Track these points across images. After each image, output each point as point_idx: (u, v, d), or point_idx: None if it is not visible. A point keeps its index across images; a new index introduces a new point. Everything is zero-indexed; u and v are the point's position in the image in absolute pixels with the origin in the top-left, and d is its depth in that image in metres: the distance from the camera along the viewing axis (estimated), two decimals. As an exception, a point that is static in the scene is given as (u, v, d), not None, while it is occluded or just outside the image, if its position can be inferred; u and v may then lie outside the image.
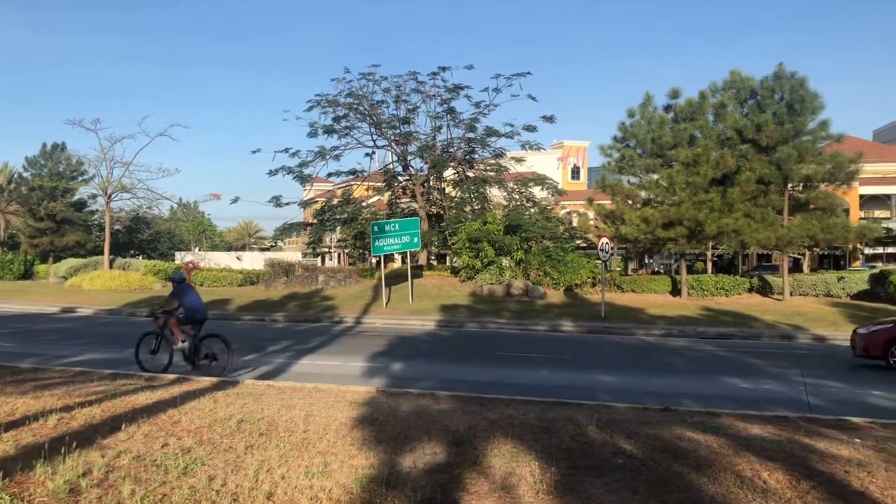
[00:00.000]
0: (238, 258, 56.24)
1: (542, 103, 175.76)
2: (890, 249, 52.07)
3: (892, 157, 57.68)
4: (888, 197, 53.43)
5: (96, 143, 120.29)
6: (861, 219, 49.04)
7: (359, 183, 42.66)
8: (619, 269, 47.66)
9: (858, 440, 7.74)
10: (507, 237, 32.23)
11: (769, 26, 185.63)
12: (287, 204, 39.26)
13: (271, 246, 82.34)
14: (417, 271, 34.91)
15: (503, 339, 21.18)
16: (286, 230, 39.71)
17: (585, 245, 42.92)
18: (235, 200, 58.04)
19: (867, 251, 50.53)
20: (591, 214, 33.47)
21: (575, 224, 44.88)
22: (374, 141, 39.17)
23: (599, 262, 27.88)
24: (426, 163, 38.44)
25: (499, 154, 38.65)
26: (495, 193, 39.22)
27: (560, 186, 44.61)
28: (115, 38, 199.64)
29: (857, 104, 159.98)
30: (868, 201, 52.84)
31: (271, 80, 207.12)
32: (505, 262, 32.19)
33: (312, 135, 37.66)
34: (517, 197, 38.55)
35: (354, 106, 37.64)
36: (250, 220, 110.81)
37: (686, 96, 30.25)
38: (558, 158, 68.39)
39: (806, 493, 5.71)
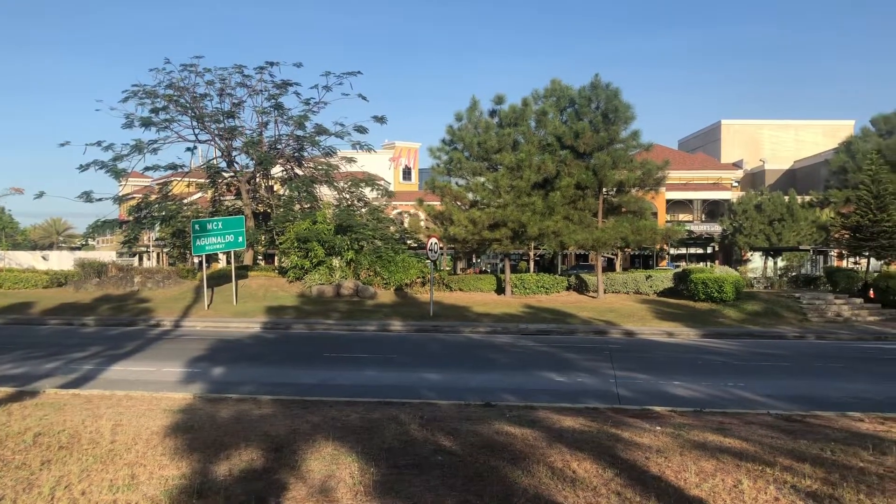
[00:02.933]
0: (44, 258, 51.72)
1: (375, 104, 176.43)
2: (692, 250, 56.89)
3: (694, 165, 63.09)
4: (691, 201, 58.29)
5: None
6: (667, 222, 53.18)
7: (180, 179, 40.62)
8: (448, 268, 48.63)
9: (659, 428, 8.31)
10: (338, 237, 31.93)
11: (588, 38, 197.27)
12: (100, 200, 36.59)
13: (83, 245, 76.60)
14: (243, 272, 33.77)
15: (331, 340, 20.92)
16: (99, 228, 36.95)
17: (416, 245, 43.41)
18: (40, 195, 52.96)
19: (672, 251, 54.86)
20: (421, 215, 33.88)
21: (406, 224, 45.28)
22: (196, 135, 37.43)
23: (429, 261, 28.29)
24: (252, 159, 37.27)
25: (329, 153, 38.19)
26: (326, 193, 38.73)
27: (391, 187, 44.93)
28: None
29: (665, 114, 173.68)
30: (674, 205, 57.35)
31: (83, 66, 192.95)
32: (335, 262, 31.86)
33: (128, 126, 35.33)
34: (348, 197, 38.28)
35: (175, 98, 35.76)
36: (59, 217, 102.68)
37: (510, 102, 31.46)
38: (390, 159, 68.76)
39: (610, 481, 6.04)
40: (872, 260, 32.09)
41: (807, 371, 15.65)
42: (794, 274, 39.37)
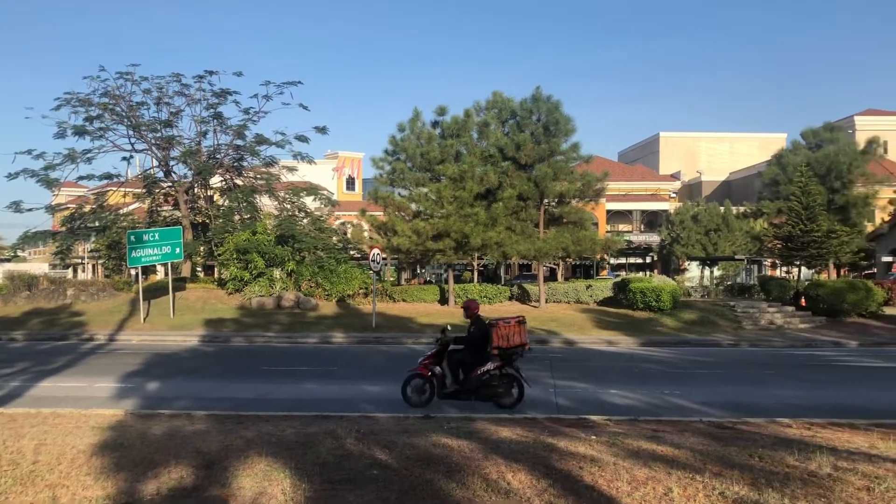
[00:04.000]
0: (-31, 270, 49.79)
1: (318, 114, 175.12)
2: (632, 259, 57.98)
3: (633, 176, 64.34)
4: (630, 212, 59.42)
5: None
6: (608, 232, 54.12)
7: (115, 189, 39.59)
8: (392, 279, 48.50)
9: (594, 437, 8.39)
10: (279, 248, 31.53)
11: (532, 50, 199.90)
12: (30, 210, 35.31)
13: (12, 256, 73.96)
14: (181, 284, 33.04)
15: (271, 353, 20.62)
16: (30, 239, 35.68)
17: (359, 256, 43.17)
18: (-34, 205, 51.40)
19: (613, 261, 55.78)
20: (365, 225, 33.70)
21: (349, 235, 45.00)
22: (132, 144, 36.48)
23: (372, 272, 28.13)
24: (191, 169, 36.54)
25: (270, 163, 37.70)
26: (266, 203, 38.20)
27: (335, 197, 44.51)
28: None
29: (606, 127, 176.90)
30: (614, 216, 58.37)
31: (11, 73, 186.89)
32: (276, 273, 31.46)
33: (60, 136, 34.21)
34: (289, 207, 37.81)
35: (110, 106, 34.81)
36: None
37: (453, 114, 31.59)
38: (333, 169, 68.39)
39: (543, 491, 6.07)
40: (804, 269, 33.17)
41: (740, 378, 16.04)
42: (729, 283, 40.44)
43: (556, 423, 9.68)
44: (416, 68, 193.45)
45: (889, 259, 48.30)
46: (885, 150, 63.70)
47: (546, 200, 31.98)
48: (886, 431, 8.95)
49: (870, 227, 45.01)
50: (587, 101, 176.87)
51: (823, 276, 37.34)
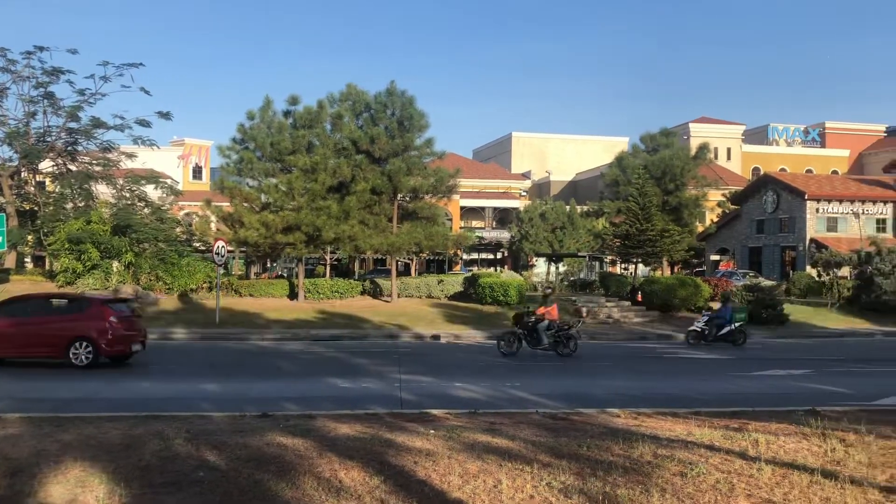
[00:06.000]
0: None
1: (166, 101, 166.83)
2: (484, 255, 59.37)
3: (487, 174, 65.88)
4: (483, 209, 60.81)
5: None
6: (461, 228, 55.07)
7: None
8: (240, 273, 47.00)
9: (433, 431, 8.42)
10: (116, 238, 29.69)
11: (391, 45, 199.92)
12: None
13: None
14: (4, 276, 30.40)
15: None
16: None
17: (205, 249, 41.38)
18: None
19: (466, 257, 56.88)
20: (212, 217, 32.32)
21: (194, 226, 43.13)
22: (-52, 123, 33.26)
23: (216, 265, 27.08)
24: (17, 152, 33.72)
25: (108, 148, 35.40)
26: (104, 191, 35.84)
27: (179, 186, 42.57)
28: None
29: (461, 124, 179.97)
30: (468, 212, 59.48)
31: None
32: (113, 265, 29.62)
33: None
34: (129, 195, 35.64)
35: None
36: None
37: (306, 104, 30.89)
38: (179, 157, 65.33)
39: (376, 488, 6.00)
40: (641, 266, 35.15)
41: (579, 370, 16.74)
42: (573, 278, 42.17)
43: (396, 417, 9.64)
44: (272, 55, 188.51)
45: (717, 257, 52.36)
46: (716, 156, 68.97)
47: (400, 195, 32.02)
48: (703, 419, 9.59)
49: (700, 228, 48.52)
50: (445, 98, 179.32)
51: (658, 273, 39.71)
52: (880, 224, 44.44)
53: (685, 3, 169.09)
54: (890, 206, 44.59)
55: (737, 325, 22.53)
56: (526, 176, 70.85)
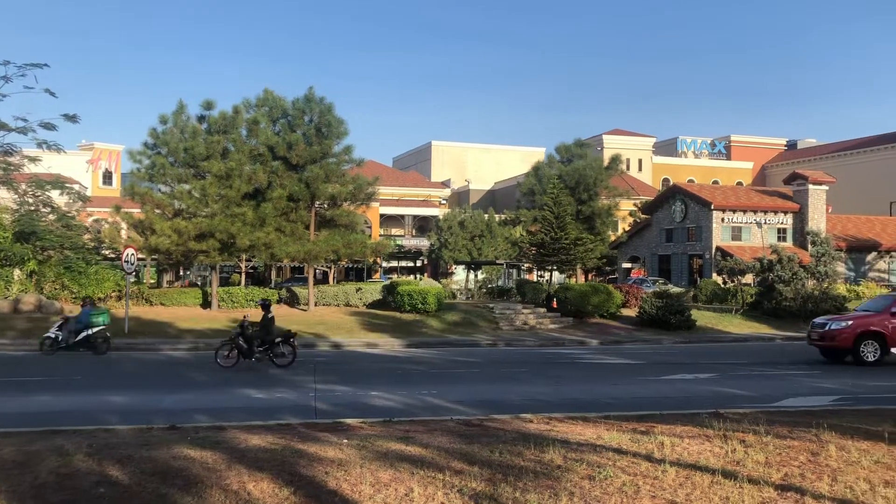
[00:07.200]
0: None
1: (72, 103, 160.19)
2: (404, 263, 59.35)
3: (407, 182, 66.01)
4: (403, 217, 60.84)
5: None
6: (381, 235, 54.98)
7: None
8: (153, 281, 45.54)
9: (346, 440, 8.37)
10: (18, 245, 28.36)
11: (310, 51, 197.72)
12: None
13: None
14: None
15: (1, 362, 18.46)
16: None
17: (114, 256, 39.90)
18: None
19: (385, 265, 56.73)
20: (122, 223, 31.21)
21: (103, 233, 41.58)
22: None
23: (126, 274, 26.16)
24: None
25: (9, 151, 33.68)
26: (4, 196, 34.12)
27: (88, 192, 40.97)
28: None
29: (381, 132, 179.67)
30: (387, 220, 59.41)
31: None
32: (14, 274, 28.26)
33: None
34: (32, 201, 34.04)
35: None
36: None
37: (221, 109, 30.24)
38: (88, 161, 62.98)
39: (285, 500, 5.93)
40: (556, 273, 35.79)
41: (495, 376, 16.93)
42: (491, 286, 42.65)
43: (310, 427, 9.54)
44: (185, 60, 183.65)
45: (628, 265, 53.87)
46: (628, 167, 71.06)
47: (318, 202, 31.72)
48: (611, 423, 9.85)
49: (613, 236, 49.80)
50: (365, 106, 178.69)
51: (573, 281, 40.57)
52: (781, 233, 46.59)
53: (598, 18, 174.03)
54: (790, 217, 46.82)
55: (96, 329, 20.52)
56: (445, 184, 71.29)
